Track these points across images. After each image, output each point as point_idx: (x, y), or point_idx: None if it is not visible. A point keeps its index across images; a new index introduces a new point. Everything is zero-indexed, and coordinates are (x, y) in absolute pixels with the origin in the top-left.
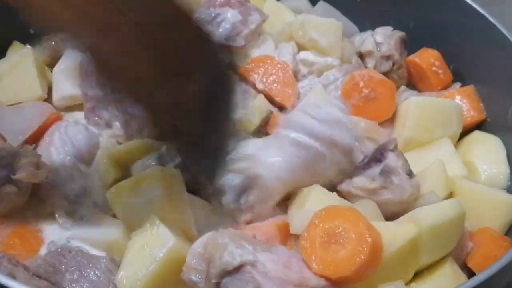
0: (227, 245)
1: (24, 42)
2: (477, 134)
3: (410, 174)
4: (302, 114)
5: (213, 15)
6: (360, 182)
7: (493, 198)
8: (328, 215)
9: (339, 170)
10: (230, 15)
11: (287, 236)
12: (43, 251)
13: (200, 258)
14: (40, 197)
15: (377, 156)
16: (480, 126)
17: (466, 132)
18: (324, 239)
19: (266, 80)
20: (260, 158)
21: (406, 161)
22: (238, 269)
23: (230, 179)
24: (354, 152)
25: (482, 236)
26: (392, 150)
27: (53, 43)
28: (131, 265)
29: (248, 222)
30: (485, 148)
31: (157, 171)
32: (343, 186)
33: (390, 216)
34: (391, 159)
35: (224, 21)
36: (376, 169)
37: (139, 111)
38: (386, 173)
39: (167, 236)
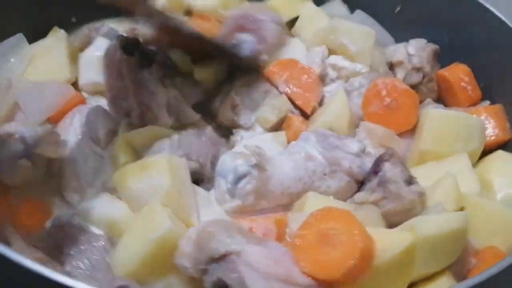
0: (218, 234)
1: (64, 29)
2: (499, 153)
3: (409, 181)
4: (321, 136)
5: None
6: (360, 196)
7: (504, 219)
8: (324, 216)
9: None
10: (246, 40)
11: (284, 232)
12: (48, 224)
13: (192, 244)
14: (53, 174)
15: (375, 169)
16: (505, 146)
17: (490, 151)
18: (317, 239)
19: (289, 83)
20: (272, 159)
21: (404, 168)
22: (224, 257)
23: (237, 163)
24: (358, 176)
25: (487, 254)
26: (387, 160)
27: (88, 30)
28: (126, 246)
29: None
30: (505, 167)
31: (164, 158)
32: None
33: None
34: (387, 169)
35: (243, 45)
36: (374, 181)
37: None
38: (383, 183)
39: (162, 220)
